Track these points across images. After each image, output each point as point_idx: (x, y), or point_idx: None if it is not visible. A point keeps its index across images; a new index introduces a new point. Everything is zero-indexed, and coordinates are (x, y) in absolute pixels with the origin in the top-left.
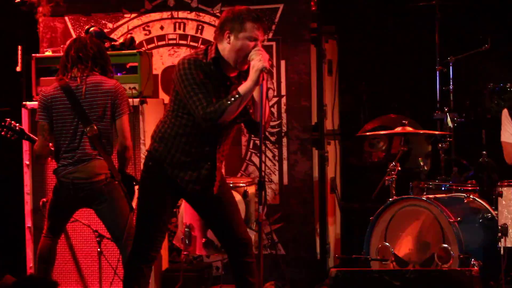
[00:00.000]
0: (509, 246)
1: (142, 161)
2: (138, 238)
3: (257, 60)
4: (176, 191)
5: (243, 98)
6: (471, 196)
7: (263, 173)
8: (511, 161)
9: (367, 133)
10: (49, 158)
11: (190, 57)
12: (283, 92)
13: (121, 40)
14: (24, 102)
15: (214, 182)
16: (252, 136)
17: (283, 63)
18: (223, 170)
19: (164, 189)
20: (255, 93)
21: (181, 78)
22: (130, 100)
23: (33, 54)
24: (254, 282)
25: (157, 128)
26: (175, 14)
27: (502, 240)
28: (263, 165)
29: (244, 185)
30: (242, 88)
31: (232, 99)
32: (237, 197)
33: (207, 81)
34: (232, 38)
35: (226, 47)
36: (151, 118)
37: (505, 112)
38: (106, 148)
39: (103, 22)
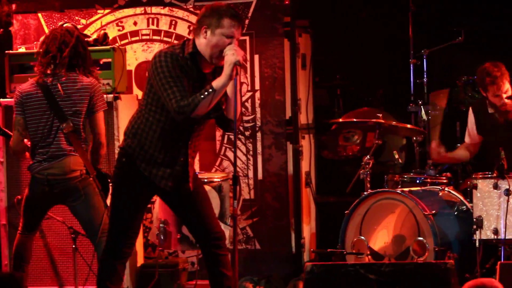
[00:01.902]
0: (484, 238)
1: (116, 157)
2: (111, 234)
3: (231, 55)
4: (149, 187)
5: (217, 93)
6: (446, 189)
7: (237, 168)
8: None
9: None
10: (27, 153)
11: (167, 50)
12: (257, 86)
13: (94, 36)
14: None
15: (187, 178)
16: None
17: (256, 57)
18: (197, 166)
19: (137, 185)
20: (229, 89)
21: (157, 71)
22: (104, 96)
23: (6, 51)
24: (228, 274)
25: (129, 124)
26: (148, 9)
27: (477, 232)
28: (237, 159)
29: (219, 180)
30: (216, 82)
31: (206, 93)
32: (212, 192)
33: (182, 75)
34: (208, 33)
35: (202, 42)
36: (125, 114)
37: (470, 110)
38: (82, 144)
39: (76, 18)
